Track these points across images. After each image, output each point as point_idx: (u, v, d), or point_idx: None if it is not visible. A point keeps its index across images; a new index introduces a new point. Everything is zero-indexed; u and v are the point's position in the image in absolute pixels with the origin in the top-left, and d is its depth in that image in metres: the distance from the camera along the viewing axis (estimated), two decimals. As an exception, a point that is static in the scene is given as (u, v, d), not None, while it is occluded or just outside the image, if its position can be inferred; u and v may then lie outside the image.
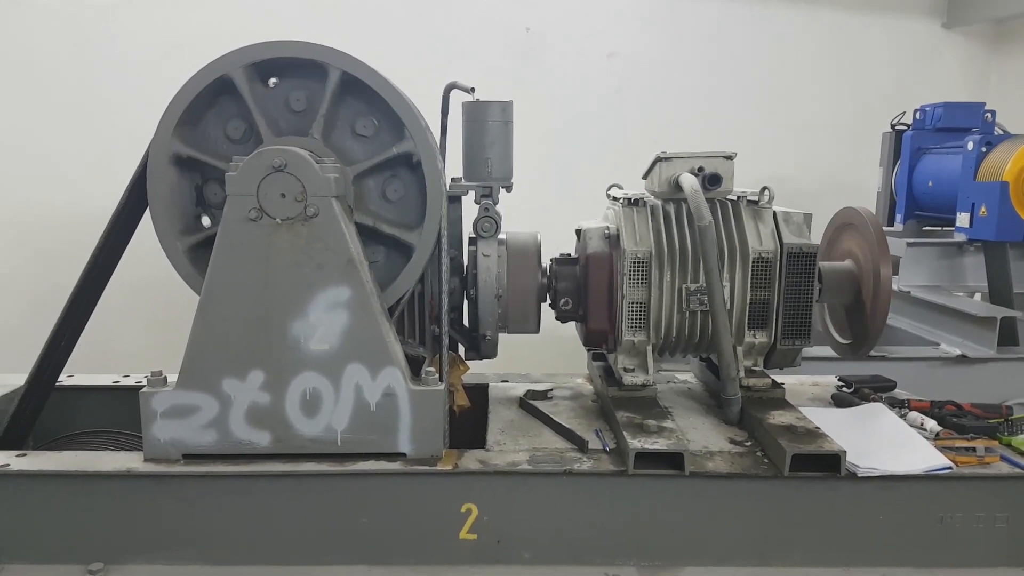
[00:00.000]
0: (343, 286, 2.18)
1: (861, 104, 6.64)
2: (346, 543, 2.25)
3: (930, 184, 4.49)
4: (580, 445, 2.34)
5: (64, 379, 2.66)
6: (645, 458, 2.19)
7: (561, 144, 6.18)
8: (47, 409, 2.56)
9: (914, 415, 2.50)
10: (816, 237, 2.61)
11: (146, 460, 2.23)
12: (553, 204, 4.41)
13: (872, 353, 3.39)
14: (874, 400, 2.66)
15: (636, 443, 2.20)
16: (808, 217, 2.60)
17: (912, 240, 4.22)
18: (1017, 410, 2.57)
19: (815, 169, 6.63)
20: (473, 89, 2.61)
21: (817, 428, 2.32)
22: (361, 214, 2.31)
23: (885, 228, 4.53)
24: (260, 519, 2.24)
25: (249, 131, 2.30)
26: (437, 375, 2.29)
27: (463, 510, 2.24)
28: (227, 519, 2.23)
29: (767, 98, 6.65)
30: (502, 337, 2.67)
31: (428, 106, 2.58)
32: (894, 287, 4.00)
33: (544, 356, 3.23)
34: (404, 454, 2.25)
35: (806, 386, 2.91)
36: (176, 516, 2.23)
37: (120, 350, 3.01)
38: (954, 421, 2.43)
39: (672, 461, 2.19)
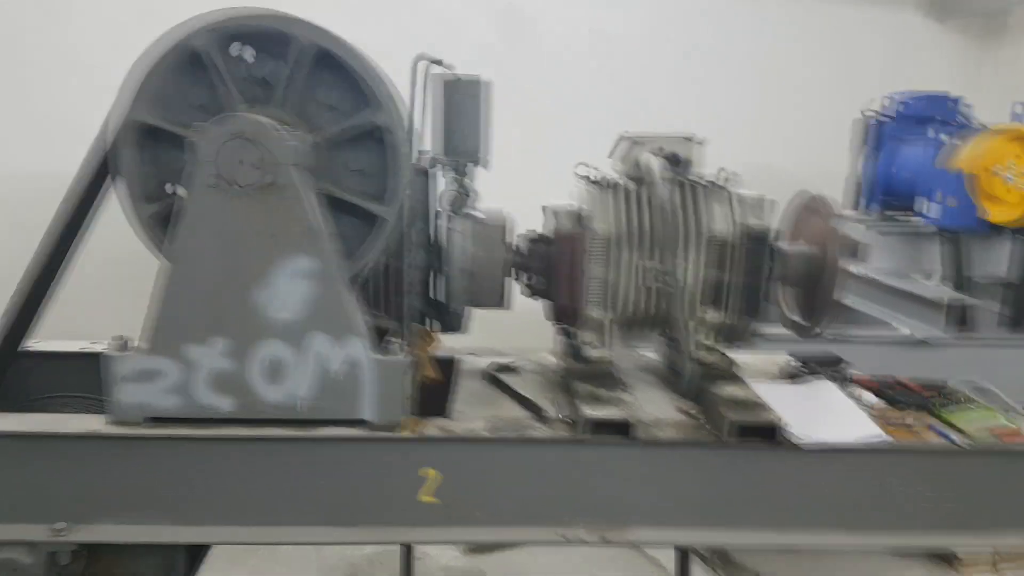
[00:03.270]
0: (304, 255, 2.22)
1: (851, 93, 6.62)
2: (308, 505, 2.31)
3: (894, 171, 4.60)
4: (538, 414, 2.42)
5: (32, 345, 2.67)
6: (597, 426, 2.27)
7: (549, 123, 6.15)
8: (18, 374, 2.59)
9: (856, 390, 2.60)
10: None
11: (110, 423, 2.28)
12: (540, 184, 4.40)
13: (832, 335, 3.51)
14: (819, 375, 2.76)
15: (589, 411, 2.27)
16: (766, 201, 2.67)
17: (875, 225, 4.32)
18: (960, 388, 2.68)
19: (804, 156, 6.57)
20: (441, 61, 2.65)
21: (760, 400, 2.41)
22: (328, 184, 2.35)
23: (851, 214, 4.64)
24: (223, 481, 2.29)
25: (215, 100, 2.32)
26: (400, 346, 2.34)
27: (421, 474, 2.31)
28: (190, 481, 2.29)
29: (758, 82, 6.64)
30: (477, 313, 2.72)
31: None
32: (857, 271, 4.12)
33: (518, 333, 3.29)
34: (365, 421, 2.31)
35: (762, 363, 3.00)
36: (140, 477, 2.28)
37: (95, 320, 3.00)
38: (890, 395, 2.53)
39: (623, 429, 2.27)
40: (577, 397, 2.40)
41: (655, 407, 2.52)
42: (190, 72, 2.31)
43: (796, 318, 2.98)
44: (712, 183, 2.66)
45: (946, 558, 2.48)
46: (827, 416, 2.42)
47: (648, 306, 2.62)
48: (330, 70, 2.32)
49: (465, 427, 2.32)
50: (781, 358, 3.03)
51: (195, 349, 2.25)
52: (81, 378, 2.89)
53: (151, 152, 2.33)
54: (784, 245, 2.85)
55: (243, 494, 2.30)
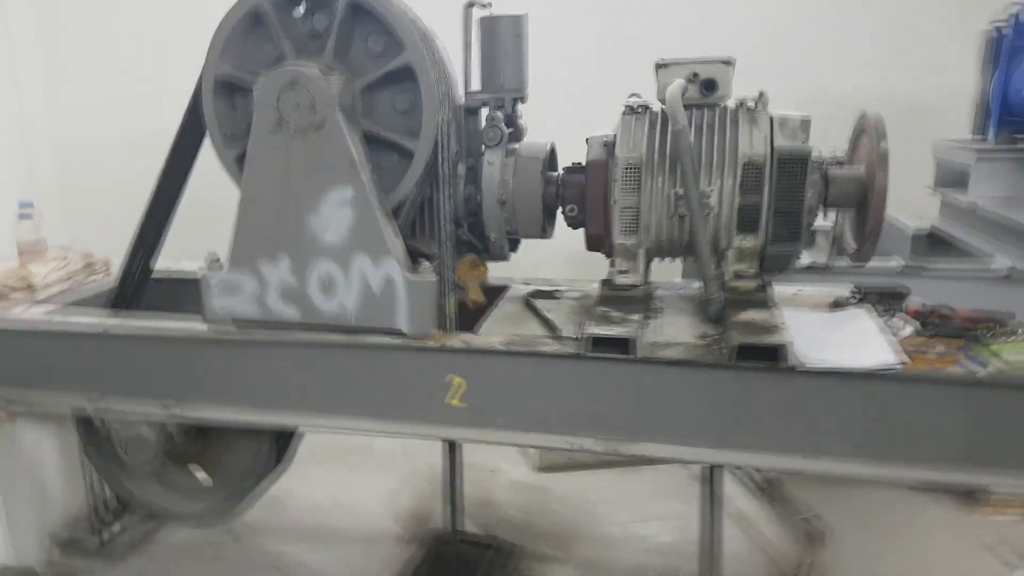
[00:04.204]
0: (347, 186, 2.56)
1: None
2: (357, 400, 2.69)
3: (1011, 89, 3.99)
4: (553, 332, 2.60)
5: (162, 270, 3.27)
6: (602, 343, 2.42)
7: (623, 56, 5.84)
8: (149, 294, 3.20)
9: (898, 319, 2.50)
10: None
11: (207, 326, 2.79)
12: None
13: (909, 264, 3.30)
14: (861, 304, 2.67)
15: (592, 329, 2.43)
16: (808, 122, 2.60)
17: (983, 149, 3.85)
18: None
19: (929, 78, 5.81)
20: (490, 4, 2.85)
21: (779, 325, 2.41)
22: (370, 123, 2.66)
23: (977, 139, 4.16)
24: (291, 376, 2.73)
25: (280, 54, 2.70)
26: (431, 268, 2.62)
27: (448, 380, 2.60)
28: (266, 374, 2.75)
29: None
30: (548, 249, 2.93)
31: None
32: (963, 199, 3.76)
33: (585, 267, 3.40)
34: (402, 331, 2.64)
35: (822, 294, 2.93)
36: (227, 369, 2.78)
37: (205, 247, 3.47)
38: (935, 324, 2.41)
39: (624, 347, 2.40)
40: (590, 317, 2.56)
41: (675, 330, 2.60)
42: (259, 30, 2.70)
43: (852, 245, 2.89)
44: (746, 106, 2.63)
45: (974, 496, 2.34)
46: (848, 342, 2.38)
47: (679, 233, 2.68)
48: (368, 20, 2.60)
49: (485, 341, 2.57)
50: (843, 289, 2.94)
51: (266, 266, 2.68)
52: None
53: (231, 101, 2.77)
54: (837, 169, 2.77)
55: (306, 388, 2.73)
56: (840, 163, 2.94)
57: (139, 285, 3.08)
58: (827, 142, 2.76)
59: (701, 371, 2.38)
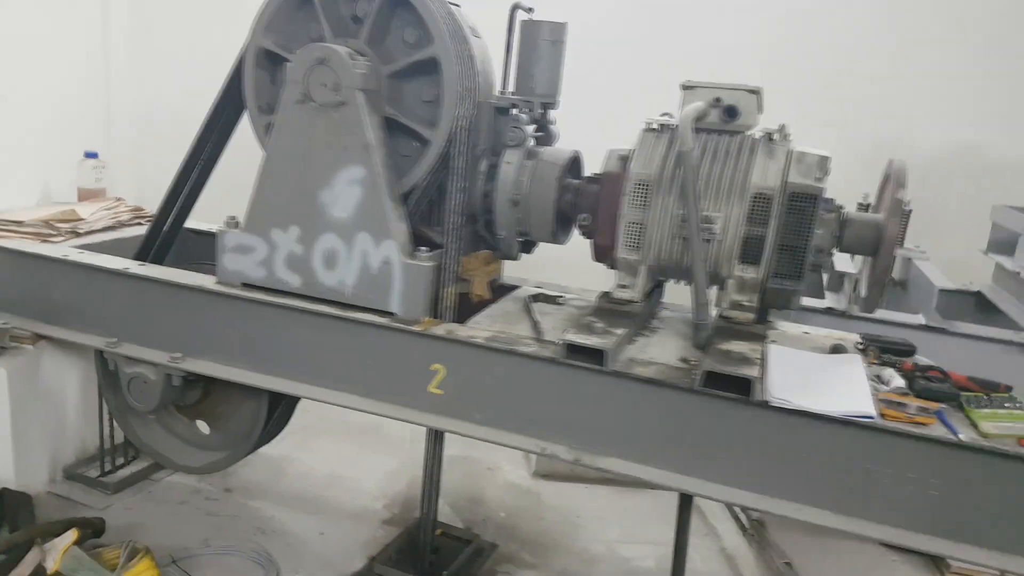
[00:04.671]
0: (359, 166, 2.65)
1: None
2: (345, 374, 2.77)
3: None
4: (539, 334, 2.62)
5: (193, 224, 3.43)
6: (578, 351, 2.42)
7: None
8: (181, 245, 3.35)
9: (888, 372, 2.42)
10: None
11: (217, 283, 2.92)
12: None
13: (933, 324, 3.18)
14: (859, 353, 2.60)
15: (568, 336, 2.44)
16: (825, 160, 2.55)
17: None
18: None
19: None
20: (531, 9, 2.90)
21: (756, 359, 2.37)
22: (393, 108, 2.74)
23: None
24: (287, 343, 2.82)
25: (320, 34, 2.81)
26: (429, 255, 2.68)
27: (433, 368, 2.65)
28: (266, 337, 2.85)
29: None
30: (568, 255, 2.97)
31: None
32: (1010, 265, 3.59)
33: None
34: (393, 313, 2.70)
35: (821, 337, 2.85)
36: (233, 328, 2.90)
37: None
38: (921, 383, 2.32)
39: (599, 358, 2.40)
40: (575, 326, 2.56)
41: (659, 350, 2.59)
42: (306, 9, 2.82)
43: (863, 291, 2.81)
44: (767, 137, 2.60)
45: (942, 561, 2.23)
46: (828, 387, 2.31)
47: (681, 255, 2.66)
48: (406, 11, 2.69)
49: (467, 332, 2.61)
50: (849, 335, 2.86)
51: (277, 233, 2.79)
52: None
53: (270, 73, 2.89)
54: (857, 213, 2.70)
55: (300, 356, 2.82)
56: (867, 208, 2.88)
57: (166, 241, 3.24)
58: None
59: (669, 393, 2.36)
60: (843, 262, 3.66)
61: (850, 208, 2.76)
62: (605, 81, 4.57)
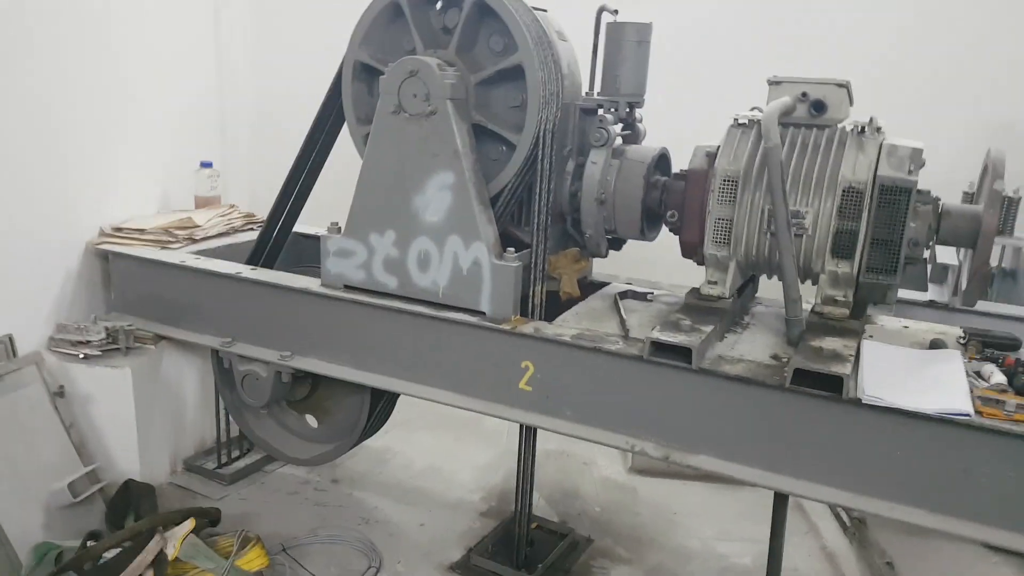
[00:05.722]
0: (449, 172, 2.75)
1: None
2: (439, 371, 2.89)
3: None
4: (625, 333, 2.66)
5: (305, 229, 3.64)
6: (664, 349, 2.45)
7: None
8: (291, 248, 3.56)
9: (989, 367, 2.34)
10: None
11: (321, 285, 3.09)
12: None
13: None
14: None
15: (655, 334, 2.47)
16: (918, 152, 2.48)
17: None
18: None
19: None
20: (616, 11, 2.94)
21: (849, 356, 2.33)
22: (481, 115, 2.83)
23: None
24: (386, 341, 2.97)
25: (413, 46, 2.93)
26: (516, 256, 2.76)
27: (522, 366, 2.73)
28: (364, 335, 3.01)
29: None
30: (664, 252, 2.99)
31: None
32: None
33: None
34: (484, 312, 2.80)
35: (921, 331, 2.77)
36: (336, 328, 3.07)
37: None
38: (1023, 379, 2.23)
39: (687, 356, 2.42)
40: (663, 323, 2.59)
41: (750, 347, 2.59)
42: (399, 23, 2.94)
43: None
44: (858, 130, 2.54)
45: None
46: (924, 384, 2.25)
47: (770, 250, 2.64)
48: (493, 20, 2.77)
49: (555, 331, 2.67)
50: (951, 329, 2.77)
51: (375, 237, 2.94)
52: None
53: (367, 85, 3.04)
54: (955, 204, 2.61)
55: (398, 354, 2.95)
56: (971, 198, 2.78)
57: (276, 246, 3.45)
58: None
59: (757, 390, 2.35)
60: (947, 254, 3.52)
61: (955, 199, 2.68)
62: (710, 78, 4.50)
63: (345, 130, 3.19)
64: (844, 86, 2.61)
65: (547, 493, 3.97)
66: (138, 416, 3.53)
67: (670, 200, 2.87)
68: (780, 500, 2.77)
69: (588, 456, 4.33)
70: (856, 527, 3.41)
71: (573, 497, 3.97)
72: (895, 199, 2.46)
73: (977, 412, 2.11)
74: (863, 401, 2.20)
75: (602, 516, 3.81)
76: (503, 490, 3.97)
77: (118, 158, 3.92)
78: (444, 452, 4.34)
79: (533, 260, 2.80)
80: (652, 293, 3.12)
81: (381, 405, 3.30)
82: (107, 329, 3.52)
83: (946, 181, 2.97)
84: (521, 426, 3.05)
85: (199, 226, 3.85)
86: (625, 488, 4.07)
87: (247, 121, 5.14)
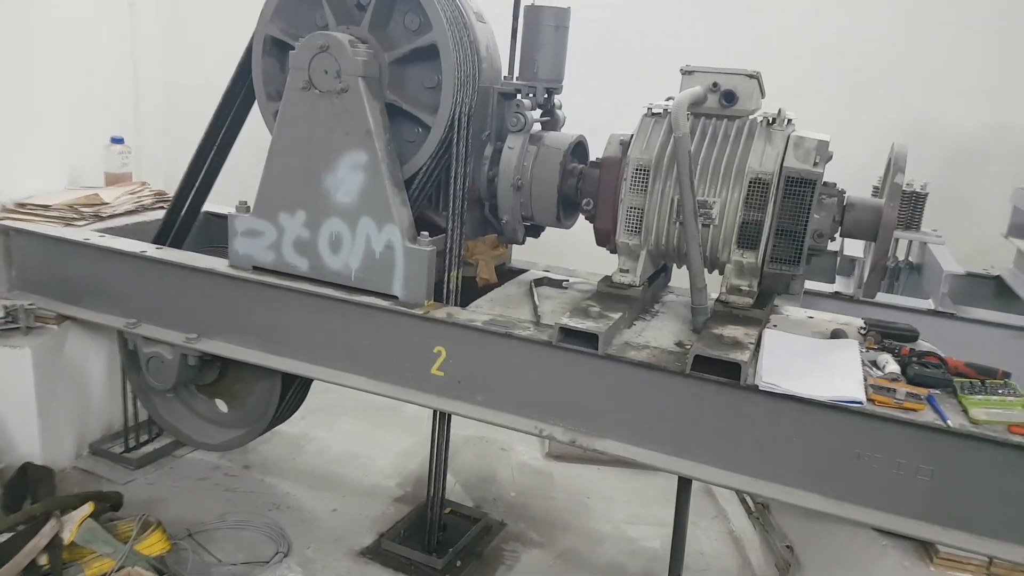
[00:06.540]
0: (361, 151, 2.70)
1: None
2: (351, 356, 2.84)
3: None
4: (536, 318, 2.66)
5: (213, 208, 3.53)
6: (572, 335, 2.46)
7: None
8: (199, 228, 3.46)
9: (884, 357, 2.42)
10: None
11: (229, 266, 3.00)
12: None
13: (941, 310, 3.15)
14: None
15: (563, 320, 2.47)
16: (824, 144, 2.54)
17: None
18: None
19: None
20: None
21: (751, 344, 2.38)
22: (395, 95, 2.78)
23: None
24: (295, 324, 2.90)
25: (325, 21, 2.86)
26: (430, 240, 2.72)
27: (435, 351, 2.70)
28: (274, 318, 2.93)
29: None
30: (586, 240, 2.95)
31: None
32: None
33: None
34: (396, 296, 2.76)
35: (824, 322, 2.84)
36: (244, 310, 2.98)
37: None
38: (915, 369, 2.32)
39: (593, 342, 2.43)
40: (573, 310, 2.60)
41: (656, 334, 2.62)
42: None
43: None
44: (766, 121, 2.59)
45: (931, 546, 2.22)
46: (820, 372, 2.31)
47: (679, 239, 2.67)
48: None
49: (467, 316, 2.66)
50: (852, 320, 2.85)
51: (285, 217, 2.86)
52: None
53: (280, 60, 2.95)
54: (859, 197, 2.68)
55: (308, 338, 2.89)
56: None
57: (184, 225, 3.34)
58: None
59: (660, 376, 2.38)
60: (854, 247, 3.64)
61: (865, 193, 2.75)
62: (630, 65, 4.53)
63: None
64: (755, 77, 2.65)
65: (464, 478, 3.96)
66: (38, 398, 3.38)
67: (586, 188, 2.88)
68: (684, 484, 2.82)
69: (506, 442, 4.34)
70: (760, 512, 3.50)
71: (490, 482, 3.98)
72: (800, 190, 2.51)
73: (869, 400, 2.18)
74: (760, 387, 2.24)
75: (517, 501, 3.83)
76: (420, 476, 3.94)
77: (21, 132, 3.73)
78: (362, 438, 4.29)
79: (449, 245, 2.77)
80: (568, 280, 3.13)
81: (293, 390, 3.23)
82: (6, 308, 3.37)
83: (866, 177, 3.06)
84: (434, 411, 3.03)
85: (107, 203, 3.70)
86: (541, 473, 4.09)
87: (161, 96, 4.95)
